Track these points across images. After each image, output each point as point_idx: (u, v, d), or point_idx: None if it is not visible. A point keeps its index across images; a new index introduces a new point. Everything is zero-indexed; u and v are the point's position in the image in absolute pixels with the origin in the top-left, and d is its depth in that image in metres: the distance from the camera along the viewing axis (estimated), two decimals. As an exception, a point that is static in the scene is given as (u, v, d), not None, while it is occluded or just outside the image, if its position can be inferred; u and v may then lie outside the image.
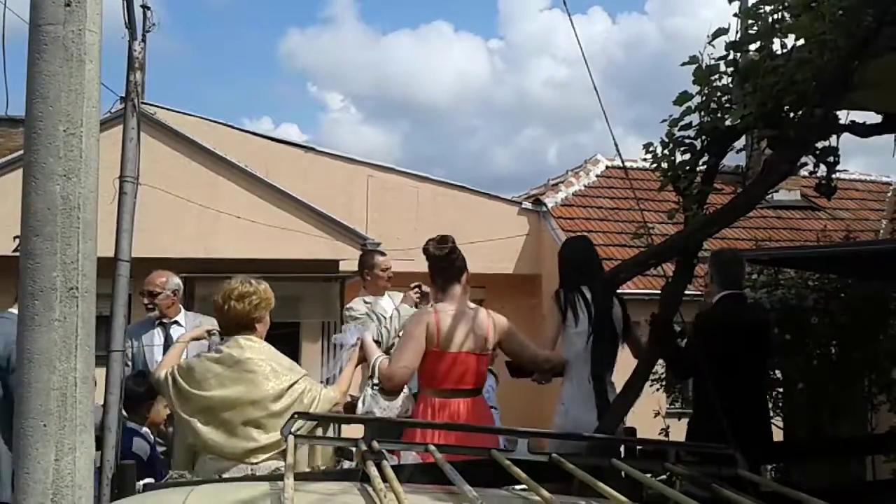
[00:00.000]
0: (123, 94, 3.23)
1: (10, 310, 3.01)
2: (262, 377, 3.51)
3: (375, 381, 4.08)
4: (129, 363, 5.03)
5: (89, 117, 2.62)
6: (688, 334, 4.72)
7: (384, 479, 1.85)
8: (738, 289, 4.82)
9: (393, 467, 2.04)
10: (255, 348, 3.61)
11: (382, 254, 5.97)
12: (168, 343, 5.54)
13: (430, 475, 2.31)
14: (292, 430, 2.17)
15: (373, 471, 1.89)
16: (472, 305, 4.27)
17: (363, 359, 4.17)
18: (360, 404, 4.17)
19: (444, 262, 4.24)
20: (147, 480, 3.11)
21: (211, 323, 5.77)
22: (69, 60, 2.58)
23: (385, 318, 5.14)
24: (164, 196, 9.19)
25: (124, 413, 4.39)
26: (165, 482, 3.10)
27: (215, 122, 11.47)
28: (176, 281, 5.71)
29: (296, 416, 2.15)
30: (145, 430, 4.55)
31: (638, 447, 2.94)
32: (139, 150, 3.12)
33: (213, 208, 9.93)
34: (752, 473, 2.49)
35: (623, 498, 1.93)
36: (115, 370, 3.04)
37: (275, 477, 2.22)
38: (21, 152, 4.85)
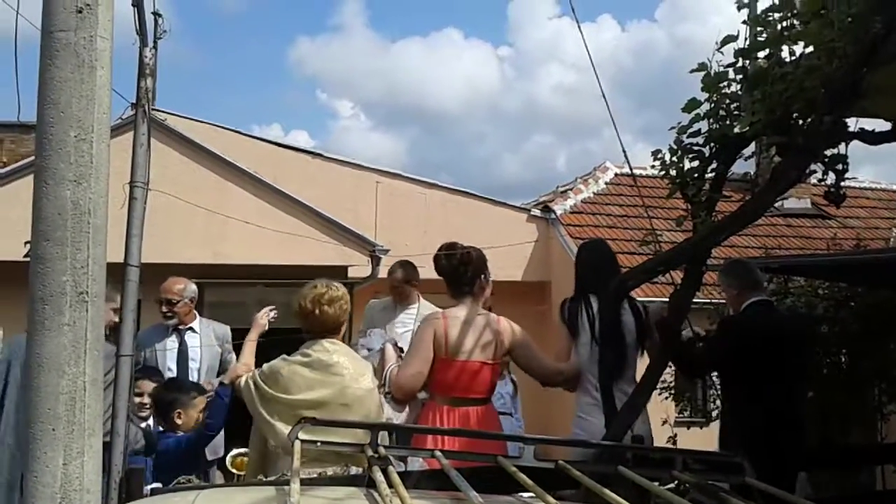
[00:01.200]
0: (134, 101, 3.25)
1: None
2: (350, 379, 3.62)
3: (387, 389, 4.09)
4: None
5: (100, 123, 2.64)
6: (709, 337, 4.72)
7: (390, 484, 1.85)
8: (763, 294, 4.81)
9: (399, 473, 2.04)
10: (340, 352, 3.72)
11: (400, 265, 5.95)
12: (182, 348, 5.55)
13: (437, 481, 2.31)
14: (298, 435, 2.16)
15: (378, 476, 1.89)
16: (485, 313, 4.24)
17: (382, 366, 4.21)
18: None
19: (453, 270, 4.24)
20: (155, 485, 3.13)
21: (223, 330, 5.81)
22: (80, 66, 2.60)
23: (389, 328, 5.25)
24: (173, 201, 9.20)
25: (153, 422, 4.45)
26: (173, 486, 3.11)
27: (224, 128, 11.51)
28: (193, 288, 5.75)
29: (303, 420, 2.15)
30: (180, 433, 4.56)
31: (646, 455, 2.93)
32: (149, 155, 3.14)
33: (222, 213, 9.95)
34: (769, 483, 2.48)
35: (630, 505, 1.92)
36: (125, 374, 3.05)
37: (281, 482, 2.22)
38: (32, 158, 4.89)
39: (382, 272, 10.81)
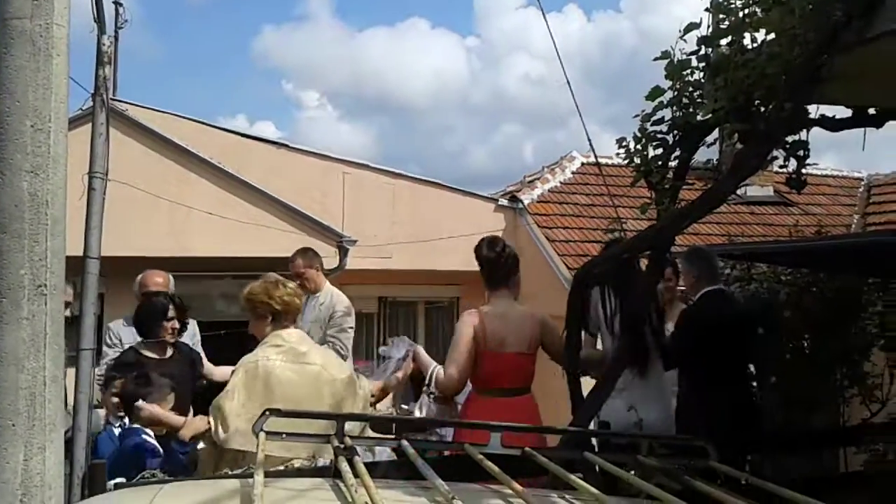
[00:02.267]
0: (93, 89, 3.19)
1: None
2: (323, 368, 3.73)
3: (432, 389, 4.25)
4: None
5: (57, 112, 2.59)
6: (675, 329, 4.79)
7: (356, 474, 1.84)
8: (719, 284, 4.97)
9: (367, 464, 2.03)
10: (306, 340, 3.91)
11: (299, 252, 5.96)
12: None
13: (405, 471, 2.30)
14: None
15: (344, 466, 1.88)
16: (518, 307, 4.37)
17: (416, 370, 4.34)
18: (416, 412, 4.32)
19: (494, 264, 4.32)
20: (118, 480, 3.08)
21: (192, 324, 5.75)
22: (36, 54, 2.55)
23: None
24: (136, 193, 9.10)
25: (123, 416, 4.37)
26: (136, 481, 3.07)
27: (186, 118, 11.34)
28: (173, 282, 5.68)
29: (267, 412, 2.13)
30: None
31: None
32: (108, 145, 3.08)
33: (186, 205, 9.84)
34: (728, 465, 2.51)
35: (594, 490, 1.94)
36: (85, 369, 3.00)
37: (246, 475, 2.20)
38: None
39: (350, 263, 10.79)
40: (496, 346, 4.09)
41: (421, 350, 4.48)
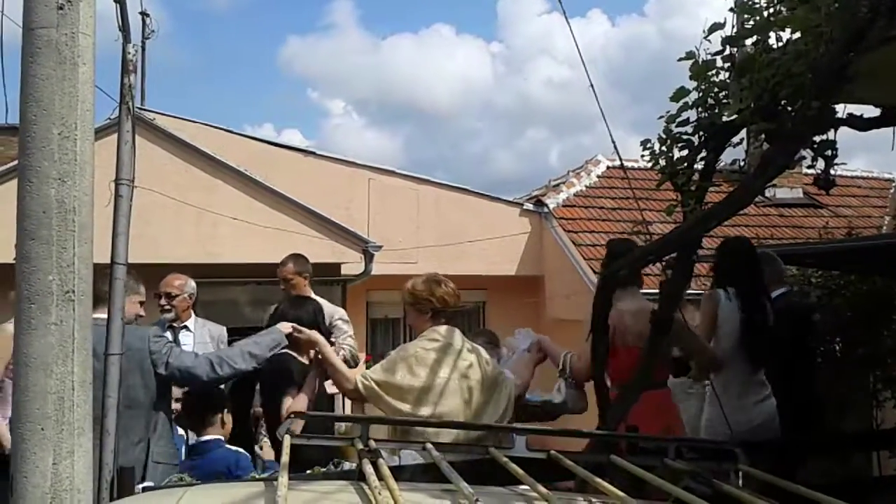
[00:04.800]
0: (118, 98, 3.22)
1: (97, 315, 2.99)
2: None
3: (567, 374, 4.44)
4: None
5: (83, 120, 2.62)
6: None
7: (380, 477, 1.84)
8: (786, 286, 5.32)
9: (392, 467, 2.03)
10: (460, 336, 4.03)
11: (291, 258, 5.92)
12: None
13: (430, 474, 2.29)
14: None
15: (368, 469, 1.87)
16: (648, 303, 4.48)
17: (541, 360, 4.46)
18: (555, 393, 4.50)
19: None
20: (147, 483, 3.11)
21: (219, 330, 5.78)
22: (62, 63, 2.58)
23: None
24: (164, 201, 9.20)
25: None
26: (164, 484, 3.09)
27: (214, 126, 11.46)
28: (192, 285, 5.73)
29: (293, 415, 2.14)
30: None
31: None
32: (135, 152, 3.11)
33: (213, 212, 9.92)
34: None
35: (620, 493, 1.92)
36: (113, 373, 3.03)
37: (270, 477, 2.21)
38: (19, 159, 4.85)
39: (376, 269, 10.81)
40: (632, 341, 4.25)
41: (547, 339, 4.57)
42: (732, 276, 4.74)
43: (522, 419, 4.07)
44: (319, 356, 4.01)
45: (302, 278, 5.79)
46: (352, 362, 5.35)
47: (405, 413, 3.61)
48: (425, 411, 3.63)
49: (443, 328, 3.90)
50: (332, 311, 5.73)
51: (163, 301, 5.58)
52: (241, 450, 4.36)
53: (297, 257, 5.91)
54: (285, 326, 4.10)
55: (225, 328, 5.85)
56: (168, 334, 5.53)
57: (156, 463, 3.73)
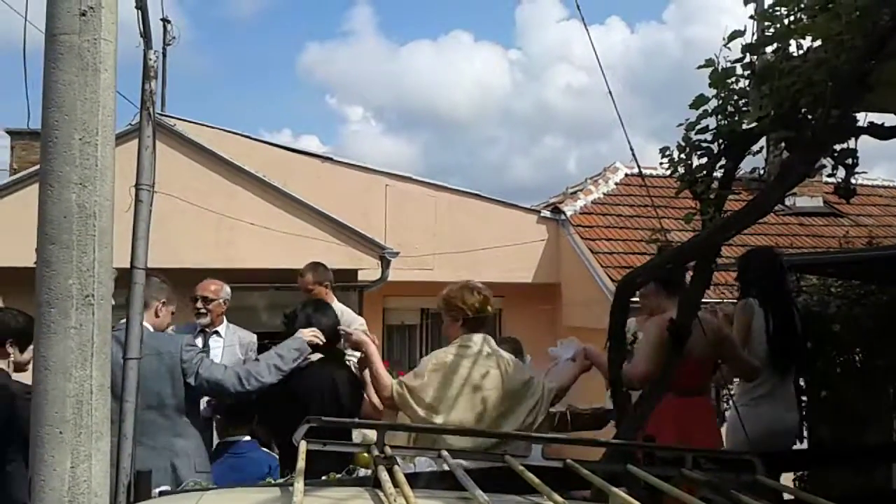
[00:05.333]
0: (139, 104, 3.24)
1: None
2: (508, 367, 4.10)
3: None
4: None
5: (105, 126, 2.64)
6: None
7: (395, 484, 1.83)
8: None
9: (407, 475, 2.02)
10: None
11: (310, 267, 5.96)
12: (204, 351, 5.54)
13: (446, 482, 2.29)
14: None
15: (384, 475, 1.87)
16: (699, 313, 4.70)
17: (587, 369, 4.47)
18: (607, 399, 4.48)
19: (672, 271, 4.47)
20: (163, 487, 3.12)
21: (250, 338, 5.80)
22: (84, 70, 2.60)
23: None
24: (183, 206, 9.26)
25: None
26: (181, 489, 3.10)
27: (233, 132, 11.54)
28: (228, 290, 5.76)
29: (307, 420, 2.14)
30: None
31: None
32: (155, 157, 3.13)
33: (232, 217, 9.97)
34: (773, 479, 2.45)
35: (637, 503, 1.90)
36: (132, 378, 3.04)
37: (286, 483, 2.21)
38: (41, 163, 4.89)
39: (393, 275, 10.83)
40: (699, 352, 4.28)
41: (593, 348, 4.58)
42: (761, 286, 4.89)
43: (572, 427, 4.11)
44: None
45: (323, 287, 5.80)
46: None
47: (430, 422, 3.70)
48: (453, 417, 3.72)
49: (474, 336, 4.01)
50: (352, 320, 5.73)
51: (199, 304, 5.60)
52: (271, 452, 4.42)
53: (316, 266, 5.91)
54: (306, 333, 4.12)
55: (255, 336, 5.87)
56: (199, 338, 5.56)
57: (186, 467, 3.77)
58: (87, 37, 2.60)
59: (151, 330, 3.98)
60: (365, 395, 4.17)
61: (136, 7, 3.01)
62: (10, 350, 3.75)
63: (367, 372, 4.15)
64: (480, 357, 3.93)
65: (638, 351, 4.46)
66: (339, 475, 3.01)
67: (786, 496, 2.72)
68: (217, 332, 5.70)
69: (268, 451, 4.44)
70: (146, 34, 3.07)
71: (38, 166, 2.75)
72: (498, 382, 3.89)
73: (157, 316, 4.17)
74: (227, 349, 5.53)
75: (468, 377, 3.87)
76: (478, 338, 4.04)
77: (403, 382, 3.89)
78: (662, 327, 4.18)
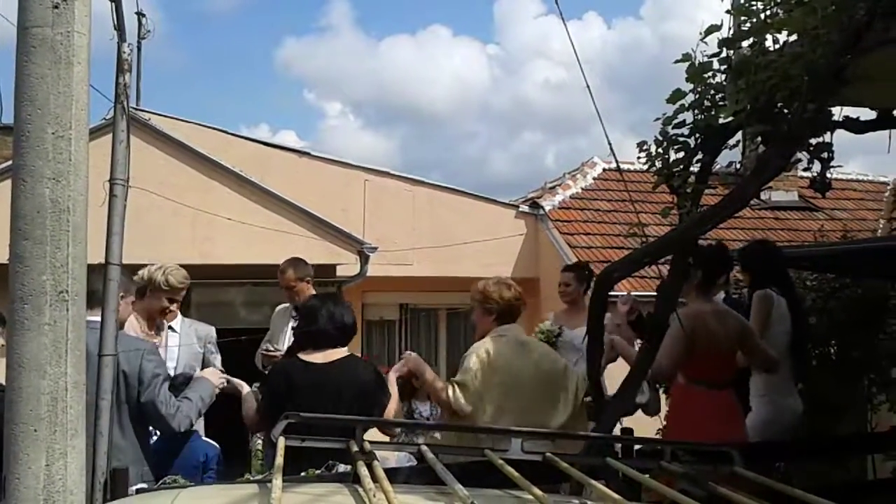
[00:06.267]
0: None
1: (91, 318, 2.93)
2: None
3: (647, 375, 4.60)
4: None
5: (78, 120, 2.60)
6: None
7: (374, 479, 1.83)
8: None
9: (387, 470, 2.02)
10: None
11: (290, 263, 5.91)
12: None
13: (426, 476, 2.28)
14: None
15: (363, 471, 1.86)
16: (724, 306, 4.84)
17: (613, 360, 4.65)
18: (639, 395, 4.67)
19: (709, 266, 4.64)
20: (140, 485, 3.09)
21: (207, 330, 5.72)
22: (57, 63, 2.56)
23: None
24: (159, 201, 9.17)
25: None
26: (158, 486, 3.08)
27: (209, 127, 11.43)
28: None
29: (286, 416, 2.13)
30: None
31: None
32: (129, 152, 3.09)
33: (209, 212, 9.90)
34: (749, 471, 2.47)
35: (617, 496, 1.91)
36: (107, 375, 3.01)
37: (264, 479, 2.19)
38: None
39: (371, 270, 10.79)
40: (707, 342, 4.41)
41: (619, 339, 4.67)
42: (774, 278, 5.05)
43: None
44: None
45: (305, 283, 5.77)
46: None
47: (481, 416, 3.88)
48: (496, 407, 3.95)
49: (508, 327, 4.25)
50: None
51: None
52: (212, 442, 4.41)
53: (297, 262, 5.86)
54: (215, 378, 4.20)
55: (214, 328, 5.78)
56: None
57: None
58: (60, 29, 2.56)
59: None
60: (392, 393, 4.16)
61: (110, 0, 2.97)
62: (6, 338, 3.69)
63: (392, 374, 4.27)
64: (517, 347, 4.15)
65: (664, 342, 4.52)
66: (318, 471, 3.00)
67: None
68: (171, 328, 5.50)
69: (210, 441, 4.44)
70: (120, 27, 3.03)
71: (10, 161, 2.71)
72: (535, 371, 4.08)
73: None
74: (184, 348, 5.42)
75: (507, 368, 4.06)
76: (511, 329, 4.25)
77: (453, 381, 4.06)
78: (686, 320, 4.33)
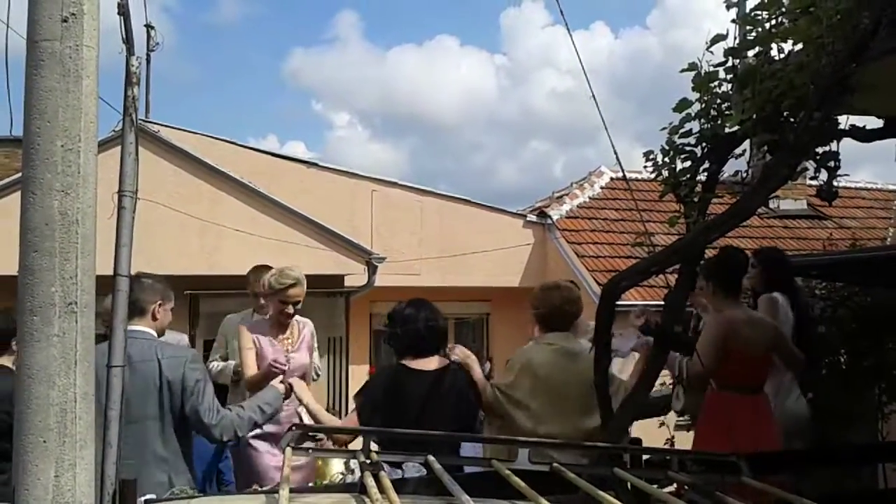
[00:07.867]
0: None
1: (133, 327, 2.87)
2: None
3: (683, 379, 4.64)
4: None
5: (87, 133, 2.61)
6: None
7: (381, 489, 1.83)
8: None
9: (394, 480, 2.01)
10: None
11: (257, 272, 5.78)
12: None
13: (433, 487, 2.28)
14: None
15: (370, 481, 1.86)
16: (755, 312, 4.90)
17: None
18: (675, 401, 4.76)
19: (730, 272, 4.73)
20: (149, 496, 3.09)
21: (178, 336, 5.62)
22: (66, 76, 2.58)
23: None
24: (168, 213, 9.21)
25: None
26: (167, 496, 3.08)
27: (218, 138, 11.49)
28: None
29: (294, 426, 2.13)
30: None
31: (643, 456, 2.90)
32: (137, 164, 3.11)
33: (217, 223, 9.93)
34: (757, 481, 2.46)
35: (624, 506, 1.90)
36: (116, 385, 3.01)
37: (271, 490, 2.20)
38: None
39: (379, 281, 10.81)
40: (742, 348, 4.46)
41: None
42: (781, 284, 5.13)
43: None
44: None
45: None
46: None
47: (524, 426, 3.84)
48: (541, 414, 3.91)
49: (554, 334, 4.20)
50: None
51: None
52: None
53: (264, 271, 5.61)
54: (280, 386, 4.13)
55: (185, 335, 5.72)
56: None
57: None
58: (69, 43, 2.58)
59: (154, 334, 3.94)
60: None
61: (119, 13, 2.99)
62: (17, 348, 3.72)
63: None
64: (562, 353, 4.11)
65: (700, 346, 4.57)
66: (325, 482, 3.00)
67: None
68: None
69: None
70: (128, 40, 3.05)
71: (20, 173, 2.73)
72: (580, 378, 3.99)
73: (154, 319, 4.04)
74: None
75: (551, 373, 4.03)
76: (559, 336, 4.21)
77: (497, 385, 4.02)
78: (721, 326, 4.49)
